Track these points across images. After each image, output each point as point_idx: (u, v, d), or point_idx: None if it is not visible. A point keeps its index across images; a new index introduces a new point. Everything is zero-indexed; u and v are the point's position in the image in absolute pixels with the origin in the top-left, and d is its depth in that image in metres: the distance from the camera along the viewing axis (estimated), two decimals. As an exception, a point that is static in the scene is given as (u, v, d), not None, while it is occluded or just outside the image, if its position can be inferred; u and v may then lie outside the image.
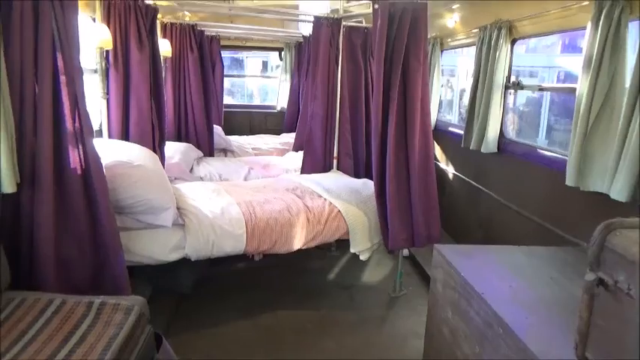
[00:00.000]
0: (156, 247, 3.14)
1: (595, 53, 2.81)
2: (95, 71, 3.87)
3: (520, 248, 2.66)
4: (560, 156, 3.42)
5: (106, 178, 2.72)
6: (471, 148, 4.37)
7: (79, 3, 2.80)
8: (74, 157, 2.58)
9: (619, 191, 2.54)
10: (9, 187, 2.32)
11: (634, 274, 1.27)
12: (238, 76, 10.70)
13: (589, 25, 2.88)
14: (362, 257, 3.83)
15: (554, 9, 3.43)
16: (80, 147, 2.60)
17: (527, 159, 3.83)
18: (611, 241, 1.38)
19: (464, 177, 4.97)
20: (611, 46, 2.74)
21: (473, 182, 4.73)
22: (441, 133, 5.61)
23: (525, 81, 4.11)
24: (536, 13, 3.64)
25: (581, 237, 2.92)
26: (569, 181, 2.95)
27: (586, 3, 3.06)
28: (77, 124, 2.58)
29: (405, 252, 4.46)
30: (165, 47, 5.22)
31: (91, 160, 2.62)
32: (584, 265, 1.47)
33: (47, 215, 2.46)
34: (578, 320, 1.48)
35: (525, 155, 3.88)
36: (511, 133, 4.52)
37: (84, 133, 2.60)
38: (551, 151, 3.62)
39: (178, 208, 3.29)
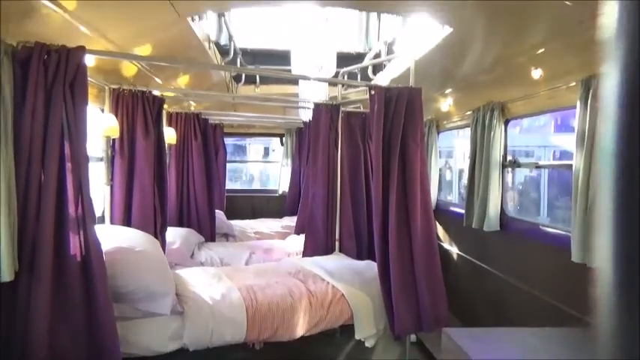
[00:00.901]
0: (153, 337, 3.02)
1: (587, 130, 2.89)
2: (101, 159, 3.96)
3: (531, 330, 2.56)
4: (563, 232, 3.39)
5: (106, 264, 2.68)
6: (473, 226, 4.35)
7: (89, 95, 2.95)
8: (75, 244, 2.57)
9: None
10: (7, 276, 2.29)
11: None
12: (241, 162, 10.95)
13: (578, 104, 3.00)
14: (367, 344, 3.66)
15: (543, 90, 3.58)
16: (81, 233, 2.60)
17: (530, 236, 3.80)
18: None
19: (468, 256, 4.89)
20: (603, 123, 2.82)
21: (477, 262, 4.65)
22: (442, 213, 5.62)
23: (521, 160, 4.20)
24: (527, 94, 3.80)
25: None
26: (575, 257, 2.90)
27: (573, 84, 3.19)
28: (80, 210, 2.60)
29: (413, 337, 4.27)
30: (170, 135, 5.39)
31: (91, 246, 2.61)
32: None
33: (43, 304, 2.39)
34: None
35: (529, 232, 3.85)
36: (512, 210, 4.52)
37: (86, 219, 2.61)
38: (554, 228, 3.60)
39: (177, 295, 3.21)
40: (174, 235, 4.98)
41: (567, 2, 2.61)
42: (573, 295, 3.17)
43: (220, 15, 5.15)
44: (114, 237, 3.19)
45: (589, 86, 2.92)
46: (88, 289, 2.58)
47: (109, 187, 3.95)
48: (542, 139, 11.50)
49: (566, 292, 3.25)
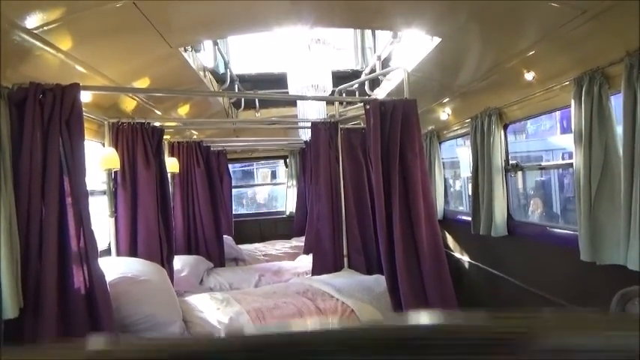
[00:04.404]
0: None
1: (583, 128, 2.87)
2: (104, 192, 4.00)
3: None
4: (572, 232, 3.34)
5: (111, 297, 2.69)
6: (480, 233, 4.31)
7: (89, 130, 3.00)
8: (78, 278, 2.59)
9: (634, 260, 2.43)
10: (11, 313, 2.30)
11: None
12: (249, 186, 11.03)
13: (572, 103, 2.98)
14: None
15: (538, 92, 3.57)
16: (85, 267, 2.62)
17: (539, 239, 3.75)
18: (630, 311, 1.31)
19: (479, 264, 4.83)
20: (598, 119, 2.80)
21: (489, 268, 4.59)
22: (451, 222, 5.57)
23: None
24: (522, 97, 3.79)
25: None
26: (584, 256, 2.85)
27: (567, 83, 3.18)
28: (82, 244, 2.62)
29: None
30: (172, 164, 5.44)
31: (95, 279, 2.63)
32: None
33: (49, 339, 2.39)
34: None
35: (537, 235, 3.79)
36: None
37: (89, 253, 2.63)
38: (561, 228, 3.55)
39: (185, 322, 3.20)
40: (182, 263, 4.99)
41: (553, 4, 2.62)
42: (586, 294, 3.10)
43: (214, 43, 5.23)
44: (118, 268, 3.21)
45: (582, 84, 2.91)
46: (93, 322, 2.58)
47: (113, 219, 3.98)
48: (550, 143, 11.41)
49: (579, 292, 3.19)
